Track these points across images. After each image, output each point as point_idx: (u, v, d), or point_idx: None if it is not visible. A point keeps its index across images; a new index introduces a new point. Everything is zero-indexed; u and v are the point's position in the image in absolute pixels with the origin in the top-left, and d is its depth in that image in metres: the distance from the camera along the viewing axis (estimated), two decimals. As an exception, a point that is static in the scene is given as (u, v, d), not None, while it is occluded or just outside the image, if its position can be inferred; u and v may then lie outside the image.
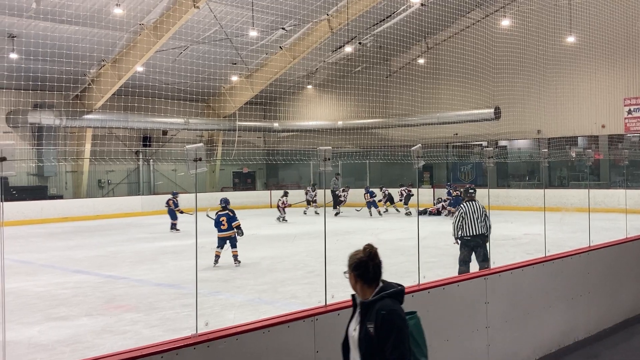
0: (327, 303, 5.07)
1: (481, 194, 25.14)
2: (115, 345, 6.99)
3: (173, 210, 20.55)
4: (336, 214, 25.30)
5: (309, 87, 34.53)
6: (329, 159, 5.39)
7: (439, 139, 29.61)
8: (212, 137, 33.54)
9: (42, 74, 22.86)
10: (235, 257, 12.78)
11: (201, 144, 4.69)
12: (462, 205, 9.71)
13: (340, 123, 32.43)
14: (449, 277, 6.23)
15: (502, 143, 29.83)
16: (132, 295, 10.00)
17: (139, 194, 30.44)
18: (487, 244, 9.22)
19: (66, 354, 6.83)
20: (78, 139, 28.29)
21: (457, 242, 9.70)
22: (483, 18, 27.23)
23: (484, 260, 9.29)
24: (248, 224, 22.09)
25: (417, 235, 6.40)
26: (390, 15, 26.48)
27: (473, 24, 27.64)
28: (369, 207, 24.87)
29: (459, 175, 31.21)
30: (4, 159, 3.78)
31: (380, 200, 25.81)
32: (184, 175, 31.43)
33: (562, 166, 28.05)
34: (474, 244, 9.45)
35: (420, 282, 5.77)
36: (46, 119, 26.15)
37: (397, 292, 3.72)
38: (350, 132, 31.15)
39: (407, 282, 5.96)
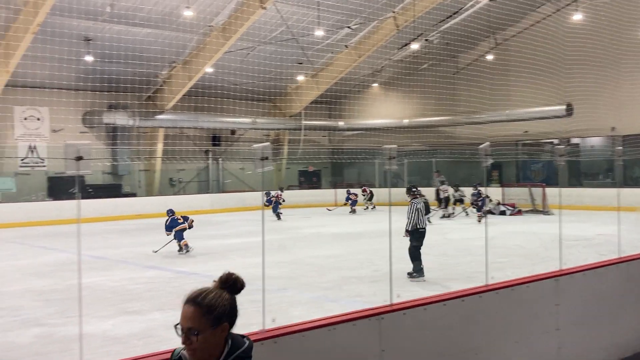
0: (393, 302, 5.04)
1: (552, 193, 24.63)
2: (186, 340, 7.16)
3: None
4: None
5: (375, 85, 34.40)
6: (394, 158, 5.38)
7: (508, 137, 28.96)
8: (279, 136, 33.91)
9: (116, 76, 23.68)
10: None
11: (268, 143, 4.76)
12: (415, 201, 11.09)
13: (406, 121, 32.17)
14: (518, 278, 6.10)
15: (575, 140, 28.90)
16: (201, 291, 10.21)
17: (208, 192, 31.10)
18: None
19: (139, 347, 7.05)
20: (150, 139, 29.16)
21: (408, 235, 10.96)
22: (554, 12, 26.45)
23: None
24: (313, 222, 22.28)
25: (485, 235, 6.30)
26: (457, 11, 26.09)
27: (544, 18, 26.89)
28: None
29: (529, 174, 30.43)
30: (80, 158, 3.93)
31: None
32: (251, 174, 31.92)
33: (638, 164, 26.93)
34: (423, 236, 10.92)
35: (488, 283, 5.68)
36: (120, 119, 27.08)
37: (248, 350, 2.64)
38: (416, 130, 30.86)
39: (475, 282, 5.89)
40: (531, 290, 5.95)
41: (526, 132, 29.31)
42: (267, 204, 24.14)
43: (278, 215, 24.00)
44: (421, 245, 10.96)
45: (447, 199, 24.35)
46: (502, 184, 28.47)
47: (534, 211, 24.29)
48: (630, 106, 25.53)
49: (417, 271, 10.64)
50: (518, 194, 25.53)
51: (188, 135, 30.72)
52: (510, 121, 28.52)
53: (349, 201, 27.29)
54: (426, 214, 21.74)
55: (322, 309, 8.66)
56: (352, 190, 28.39)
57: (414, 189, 11.67)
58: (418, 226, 10.85)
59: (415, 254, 10.79)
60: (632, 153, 24.16)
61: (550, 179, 28.22)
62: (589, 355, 6.39)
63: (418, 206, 10.94)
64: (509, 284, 5.80)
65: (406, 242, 15.78)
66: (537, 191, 24.90)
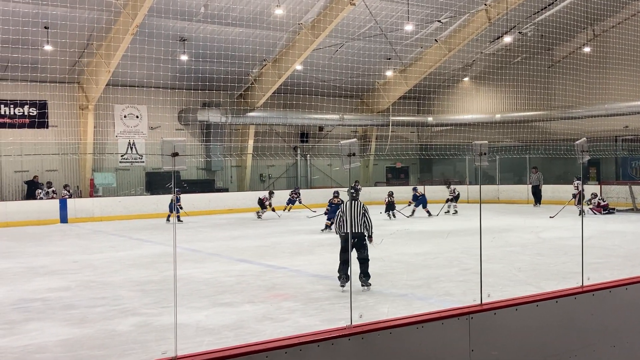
0: (483, 302, 4.96)
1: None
2: (275, 332, 7.32)
3: (174, 205, 21.10)
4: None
5: (465, 79, 33.72)
6: (485, 154, 5.27)
7: (607, 132, 27.69)
8: (366, 133, 33.88)
9: (209, 75, 24.40)
10: None
11: (355, 140, 4.78)
12: (345, 203, 10.34)
13: (498, 116, 31.37)
14: (616, 280, 5.84)
15: (680, 136, 27.29)
16: (290, 285, 10.40)
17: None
18: (366, 243, 9.77)
19: (230, 338, 7.23)
20: (242, 136, 29.88)
21: (326, 231, 10.47)
22: (658, 0, 25.06)
23: (363, 258, 9.68)
24: (401, 220, 22.10)
25: (581, 234, 6.07)
26: (553, 2, 25.17)
27: (647, 7, 25.52)
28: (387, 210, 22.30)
29: (630, 171, 28.97)
30: (176, 154, 4.09)
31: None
32: (338, 170, 32.07)
33: None
34: (352, 242, 9.66)
35: (584, 284, 5.48)
36: (213, 116, 27.91)
37: None
38: (509, 126, 30.02)
39: (570, 283, 5.69)
40: (630, 293, 5.68)
41: (626, 127, 27.91)
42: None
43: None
44: (350, 252, 9.49)
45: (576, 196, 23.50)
46: (600, 181, 27.26)
47: (635, 210, 23.11)
48: None
49: (339, 278, 9.72)
50: (618, 192, 24.35)
51: (277, 132, 31.25)
52: (609, 116, 27.25)
53: (414, 201, 23.22)
54: (389, 210, 21.01)
55: (410, 307, 8.60)
56: (420, 188, 25.02)
57: (352, 191, 10.70)
58: (341, 231, 9.92)
59: (340, 260, 9.85)
60: None
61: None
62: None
63: (344, 209, 10.13)
64: (607, 286, 5.57)
65: (498, 240, 15.42)
66: (637, 189, 23.67)
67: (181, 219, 22.05)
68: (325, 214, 19.02)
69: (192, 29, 23.79)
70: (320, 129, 32.71)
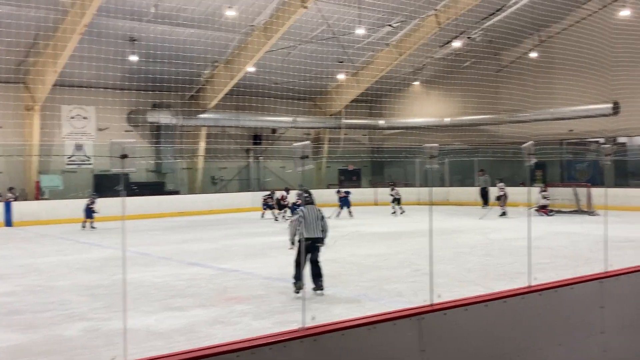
0: (434, 302, 5.02)
1: (598, 193, 24.05)
2: (227, 336, 7.25)
3: (89, 209, 21.10)
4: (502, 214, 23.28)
5: (416, 83, 34.17)
6: (435, 156, 5.35)
7: (553, 136, 28.45)
8: (319, 135, 33.97)
9: (160, 76, 24.09)
10: None
11: (308, 142, 4.79)
12: (300, 208, 9.67)
13: (447, 119, 31.88)
14: (562, 280, 6.00)
15: (621, 140, 28.20)
16: (242, 288, 10.34)
17: (249, 190, 31.35)
18: (321, 247, 9.58)
19: (181, 342, 7.15)
20: (193, 137, 29.56)
21: (294, 247, 9.62)
22: (600, 9, 25.85)
23: (318, 261, 9.49)
24: (354, 221, 22.24)
25: (528, 236, 6.22)
26: (500, 8, 25.74)
27: (589, 15, 26.30)
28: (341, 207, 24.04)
29: (574, 173, 29.83)
30: (125, 156, 4.02)
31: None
32: (291, 173, 32.06)
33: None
34: (311, 247, 9.45)
35: (531, 284, 5.60)
36: (164, 118, 27.55)
37: None
38: (458, 129, 30.56)
39: (518, 283, 5.82)
40: (575, 292, 5.85)
41: (571, 131, 28.74)
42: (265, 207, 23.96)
43: (276, 218, 23.52)
44: (310, 258, 9.45)
45: (499, 197, 24.04)
46: (546, 184, 28.00)
47: (579, 212, 23.81)
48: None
49: (295, 284, 9.41)
50: (563, 194, 25.04)
51: (230, 134, 31.04)
52: (555, 120, 28.00)
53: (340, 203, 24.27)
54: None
55: (362, 308, 8.66)
56: (344, 190, 25.56)
57: (306, 195, 10.03)
58: (302, 236, 9.39)
59: (297, 263, 9.42)
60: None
61: (596, 179, 27.58)
62: (636, 359, 6.25)
63: (302, 214, 9.53)
64: (553, 286, 5.71)
65: (448, 242, 15.67)
66: (582, 191, 24.39)
67: (94, 225, 21.25)
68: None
69: (142, 29, 23.44)
70: (273, 131, 32.65)
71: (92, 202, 21.35)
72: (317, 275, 9.55)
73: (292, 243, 9.69)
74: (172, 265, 13.17)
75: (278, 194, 24.15)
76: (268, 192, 24.80)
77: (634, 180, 27.98)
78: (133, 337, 7.18)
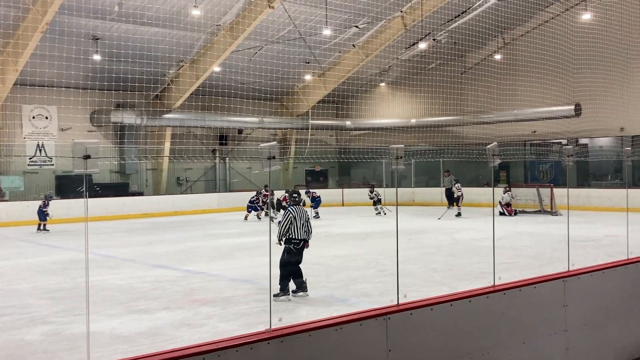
0: (400, 302, 5.05)
1: (560, 193, 24.50)
2: (193, 338, 7.19)
3: (42, 212, 20.70)
4: (458, 215, 23.56)
5: (382, 84, 34.37)
6: (401, 157, 5.37)
7: (516, 137, 28.87)
8: (286, 136, 33.93)
9: (124, 75, 23.74)
10: None
11: (275, 143, 4.77)
12: (290, 209, 9.52)
13: (413, 121, 32.13)
14: (525, 279, 6.08)
15: (583, 141, 28.79)
16: (208, 290, 10.25)
17: (215, 192, 31.17)
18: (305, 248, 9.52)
19: (146, 345, 7.06)
20: (158, 138, 29.23)
21: (281, 244, 9.42)
22: (563, 12, 26.34)
23: (298, 267, 9.42)
24: (321, 222, 22.25)
25: (493, 236, 6.29)
26: (465, 11, 26.02)
27: (552, 18, 26.78)
28: None
29: (537, 174, 30.34)
30: (88, 156, 3.95)
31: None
32: (258, 173, 31.95)
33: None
34: (300, 248, 9.41)
35: (496, 283, 5.67)
36: (128, 118, 27.17)
37: None
38: (424, 130, 30.80)
39: (483, 283, 5.88)
40: (538, 291, 5.93)
41: (534, 132, 29.23)
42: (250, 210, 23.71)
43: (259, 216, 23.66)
44: (295, 260, 9.37)
45: (458, 198, 24.24)
46: (510, 184, 28.44)
47: (542, 212, 24.21)
48: (638, 106, 25.41)
49: (283, 289, 9.23)
50: (526, 194, 25.44)
51: (195, 135, 30.78)
52: (518, 121, 28.43)
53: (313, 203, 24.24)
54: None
55: (329, 309, 8.66)
56: (313, 190, 25.54)
57: (295, 195, 10.11)
58: (292, 237, 9.29)
59: (284, 268, 9.28)
60: (641, 153, 24.08)
61: (558, 180, 28.13)
62: (597, 357, 6.37)
63: (294, 214, 9.35)
64: (517, 285, 5.79)
65: (415, 242, 15.78)
66: (545, 191, 24.80)
67: (47, 227, 20.58)
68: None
69: (106, 28, 23.10)
70: (240, 131, 32.49)
71: (45, 204, 20.87)
72: (300, 276, 9.45)
73: (280, 242, 9.44)
74: (137, 267, 13.00)
75: (278, 195, 23.82)
76: (254, 194, 24.44)
77: (595, 181, 28.60)
78: (96, 340, 7.06)
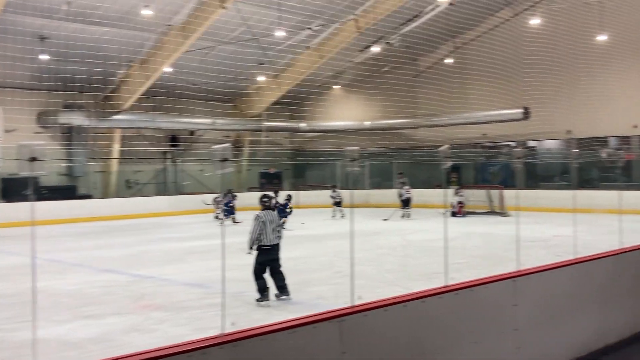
0: (354, 304, 5.03)
1: (510, 194, 24.96)
2: (143, 344, 7.03)
3: None
4: (403, 216, 23.86)
5: (336, 87, 34.49)
6: (356, 159, 5.37)
7: (467, 140, 29.37)
8: (239, 138, 33.70)
9: (72, 75, 23.18)
10: None
11: (228, 144, 4.69)
12: (260, 214, 9.20)
13: (367, 123, 32.34)
14: (477, 279, 6.15)
15: (531, 143, 29.47)
16: (160, 294, 10.08)
17: (166, 194, 30.72)
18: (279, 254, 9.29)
19: (95, 352, 6.90)
20: (107, 139, 28.65)
21: (252, 252, 9.21)
22: (512, 17, 26.93)
23: (279, 271, 9.24)
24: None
25: (445, 237, 6.34)
26: (417, 15, 26.33)
27: (502, 22, 27.35)
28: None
29: (488, 176, 30.90)
30: (34, 159, 3.82)
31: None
32: (210, 176, 31.64)
33: (593, 167, 27.62)
34: (270, 255, 9.17)
35: (448, 284, 5.71)
36: (76, 119, 26.55)
37: None
38: (378, 133, 31.04)
39: (435, 283, 5.91)
40: (490, 291, 6.01)
41: (484, 134, 29.76)
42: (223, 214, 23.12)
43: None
44: (267, 264, 9.22)
45: (408, 200, 24.49)
46: (461, 185, 28.88)
47: (492, 213, 24.66)
48: (585, 110, 26.14)
49: (262, 294, 9.15)
50: (476, 196, 25.88)
51: (145, 136, 30.27)
52: (469, 124, 28.93)
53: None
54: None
55: (283, 312, 8.61)
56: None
57: (265, 199, 9.66)
58: (262, 243, 9.08)
59: (257, 274, 9.18)
60: (587, 155, 24.79)
61: (508, 181, 28.69)
62: (547, 355, 6.48)
63: (264, 219, 9.09)
64: (468, 285, 5.85)
65: (368, 244, 15.85)
66: (495, 193, 25.28)
67: None
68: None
69: (53, 27, 22.52)
70: (191, 133, 32.13)
71: None
72: (282, 280, 9.27)
73: (251, 249, 9.20)
74: (85, 272, 12.71)
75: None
76: (217, 195, 23.98)
77: (543, 182, 29.30)
78: (43, 348, 6.85)
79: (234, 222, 22.63)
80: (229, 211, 23.00)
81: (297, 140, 36.53)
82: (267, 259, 9.12)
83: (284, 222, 20.76)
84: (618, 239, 8.05)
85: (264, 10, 24.53)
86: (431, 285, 5.90)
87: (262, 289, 9.09)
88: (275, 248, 9.22)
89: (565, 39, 24.67)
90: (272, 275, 9.25)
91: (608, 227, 15.36)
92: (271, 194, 10.39)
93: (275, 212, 9.55)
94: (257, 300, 9.11)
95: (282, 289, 9.25)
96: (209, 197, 24.49)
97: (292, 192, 23.50)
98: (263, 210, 9.32)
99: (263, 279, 9.14)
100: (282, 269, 9.34)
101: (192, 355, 4.00)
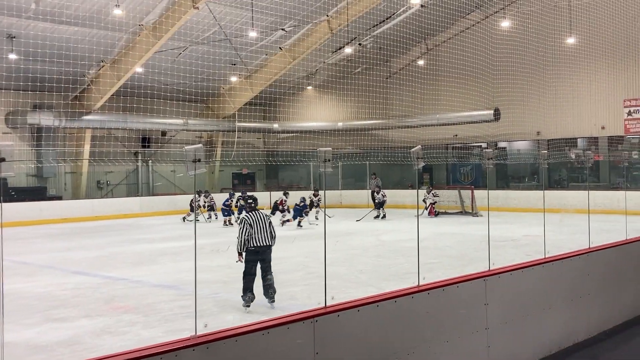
0: (327, 304, 5.05)
1: (481, 195, 25.27)
2: (115, 346, 6.98)
3: None
4: (376, 217, 23.75)
5: (309, 88, 34.51)
6: (329, 160, 5.38)
7: (439, 140, 29.61)
8: (212, 138, 33.52)
9: (41, 75, 22.84)
10: None
11: (200, 145, 4.68)
12: (245, 216, 9.00)
13: (340, 124, 32.42)
14: (448, 278, 6.21)
15: (502, 144, 29.82)
16: (131, 296, 9.98)
17: (137, 195, 30.42)
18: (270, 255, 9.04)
19: (65, 355, 6.81)
20: (77, 140, 28.25)
21: (242, 258, 8.89)
22: (483, 19, 27.23)
23: (267, 273, 8.97)
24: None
25: (417, 237, 6.39)
26: (390, 17, 26.48)
27: (473, 25, 27.64)
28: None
29: (459, 176, 31.20)
30: (3, 159, 3.77)
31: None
32: (183, 176, 31.42)
33: (562, 167, 28.06)
34: (260, 256, 8.92)
35: (420, 284, 5.76)
36: (45, 119, 26.13)
37: None
38: (351, 133, 31.14)
39: (408, 283, 5.95)
40: (461, 291, 6.07)
41: (456, 135, 30.04)
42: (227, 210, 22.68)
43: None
44: (256, 263, 8.94)
45: (383, 202, 24.53)
46: (433, 186, 29.12)
47: (464, 213, 24.90)
48: (554, 111, 26.56)
49: (244, 293, 8.88)
50: (448, 196, 26.11)
51: (116, 137, 29.94)
52: (441, 125, 29.16)
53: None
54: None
55: (256, 313, 8.59)
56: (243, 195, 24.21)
57: (250, 200, 9.45)
58: (250, 245, 8.81)
59: (244, 272, 8.95)
60: (556, 156, 25.20)
61: (479, 182, 29.04)
62: (517, 353, 6.58)
63: (249, 221, 8.85)
64: (440, 285, 5.91)
65: (341, 244, 15.88)
66: (466, 193, 25.53)
67: None
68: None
69: (22, 26, 22.15)
70: (163, 134, 31.86)
71: None
72: (269, 286, 8.98)
73: (240, 254, 8.86)
74: (55, 274, 12.53)
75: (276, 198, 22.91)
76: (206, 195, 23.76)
77: (514, 183, 29.67)
78: (11, 351, 6.71)
79: (226, 223, 22.41)
80: (227, 211, 22.68)
81: (270, 141, 36.46)
82: (255, 258, 8.86)
83: (288, 221, 20.89)
84: (587, 238, 8.19)
85: (237, 10, 24.45)
86: (403, 285, 5.94)
87: (245, 289, 8.82)
88: (264, 249, 8.92)
89: (534, 41, 25.04)
90: (262, 277, 8.97)
91: (577, 227, 15.63)
92: (283, 195, 9.86)
93: (262, 213, 9.16)
94: (245, 305, 8.83)
95: (268, 292, 8.98)
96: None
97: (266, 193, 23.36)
98: (249, 212, 9.11)
99: (248, 278, 8.86)
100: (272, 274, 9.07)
101: (164, 358, 3.98)
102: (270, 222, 9.09)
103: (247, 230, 8.79)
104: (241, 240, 8.78)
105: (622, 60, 25.20)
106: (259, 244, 8.85)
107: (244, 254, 8.85)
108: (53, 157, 27.39)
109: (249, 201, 9.43)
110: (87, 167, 28.80)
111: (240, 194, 23.41)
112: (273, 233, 9.08)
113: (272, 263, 9.06)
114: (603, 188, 25.46)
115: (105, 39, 23.98)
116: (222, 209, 22.89)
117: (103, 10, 22.21)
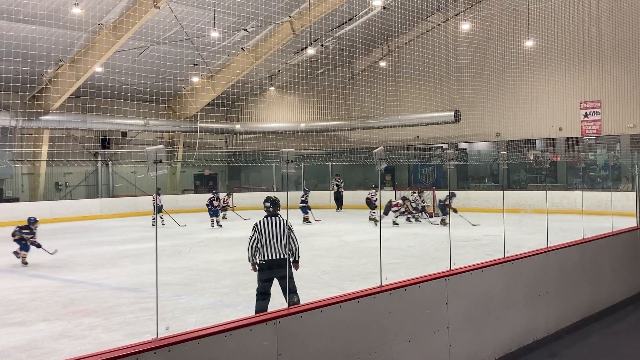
0: (290, 305, 5.04)
1: (442, 195, 25.49)
2: (74, 351, 6.86)
3: None
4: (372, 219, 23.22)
5: (272, 88, 34.44)
6: (291, 161, 5.38)
7: (401, 142, 29.85)
8: (173, 139, 33.19)
9: (-3, 74, 22.34)
10: None
11: (161, 146, 4.63)
12: (258, 221, 7.71)
13: (303, 125, 32.43)
14: (410, 278, 6.27)
15: (462, 145, 30.21)
16: (91, 300, 9.82)
17: (97, 197, 29.93)
18: (293, 270, 7.72)
19: (22, 360, 6.67)
20: (35, 141, 27.63)
21: (256, 269, 7.71)
22: (444, 22, 27.56)
23: (291, 291, 7.28)
24: (209, 227, 21.93)
25: (380, 237, 6.43)
26: (352, 18, 26.59)
27: (434, 27, 27.95)
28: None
29: (420, 177, 31.51)
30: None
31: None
32: (144, 178, 31.03)
33: (521, 168, 28.57)
34: (274, 272, 7.57)
35: (383, 284, 5.80)
36: (1, 120, 25.48)
37: None
38: (313, 134, 31.17)
39: (370, 283, 5.99)
40: (423, 290, 6.13)
41: (417, 137, 30.32)
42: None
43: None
44: (271, 281, 7.66)
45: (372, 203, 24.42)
46: (395, 187, 29.32)
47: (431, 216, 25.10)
48: (513, 113, 27.02)
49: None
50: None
51: (75, 137, 29.40)
52: (403, 126, 29.40)
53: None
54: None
55: (218, 315, 8.54)
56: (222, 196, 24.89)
57: (268, 204, 7.90)
58: (261, 257, 7.60)
59: (257, 294, 7.72)
60: (515, 157, 25.66)
61: (440, 182, 29.37)
62: (478, 352, 6.67)
63: (260, 229, 7.62)
64: (402, 285, 5.95)
65: (304, 245, 15.84)
66: (427, 194, 25.77)
67: None
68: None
69: (-24, 23, 21.61)
70: (124, 134, 31.42)
71: None
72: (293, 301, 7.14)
73: (253, 265, 7.71)
74: (12, 277, 12.26)
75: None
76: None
77: (474, 183, 30.09)
78: (-35, 358, 6.57)
79: (213, 225, 22.11)
80: (214, 212, 22.34)
81: (232, 142, 36.26)
82: (268, 275, 7.54)
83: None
84: (545, 238, 8.35)
85: (199, 10, 24.26)
86: (366, 285, 5.98)
87: (257, 312, 7.33)
88: (279, 262, 7.53)
89: (494, 44, 25.44)
90: (284, 294, 7.37)
91: (535, 227, 15.94)
92: (273, 197, 8.02)
93: (282, 219, 7.71)
94: None
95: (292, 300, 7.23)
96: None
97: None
98: (265, 217, 7.74)
99: (259, 298, 7.60)
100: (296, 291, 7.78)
101: (125, 361, 3.93)
102: (288, 231, 7.65)
103: (257, 239, 7.58)
104: (248, 250, 7.69)
105: (579, 64, 25.78)
106: (269, 257, 7.54)
107: (257, 265, 7.68)
108: (9, 158, 26.80)
109: (267, 204, 7.89)
110: (45, 168, 28.23)
111: (212, 193, 23.25)
112: (292, 244, 7.70)
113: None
114: (561, 188, 25.99)
115: (63, 37, 23.53)
116: (208, 210, 22.55)
117: (62, 9, 21.80)
